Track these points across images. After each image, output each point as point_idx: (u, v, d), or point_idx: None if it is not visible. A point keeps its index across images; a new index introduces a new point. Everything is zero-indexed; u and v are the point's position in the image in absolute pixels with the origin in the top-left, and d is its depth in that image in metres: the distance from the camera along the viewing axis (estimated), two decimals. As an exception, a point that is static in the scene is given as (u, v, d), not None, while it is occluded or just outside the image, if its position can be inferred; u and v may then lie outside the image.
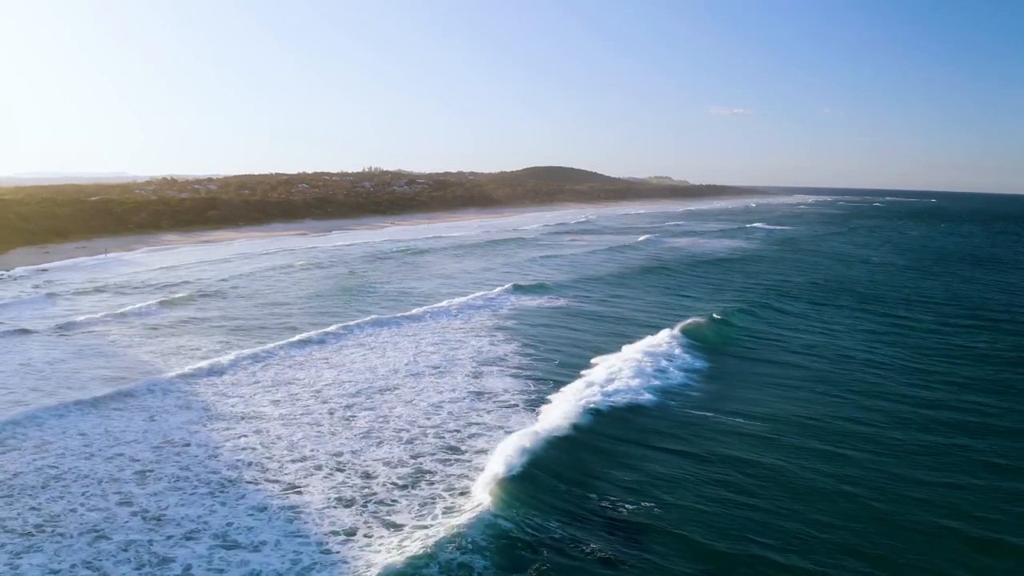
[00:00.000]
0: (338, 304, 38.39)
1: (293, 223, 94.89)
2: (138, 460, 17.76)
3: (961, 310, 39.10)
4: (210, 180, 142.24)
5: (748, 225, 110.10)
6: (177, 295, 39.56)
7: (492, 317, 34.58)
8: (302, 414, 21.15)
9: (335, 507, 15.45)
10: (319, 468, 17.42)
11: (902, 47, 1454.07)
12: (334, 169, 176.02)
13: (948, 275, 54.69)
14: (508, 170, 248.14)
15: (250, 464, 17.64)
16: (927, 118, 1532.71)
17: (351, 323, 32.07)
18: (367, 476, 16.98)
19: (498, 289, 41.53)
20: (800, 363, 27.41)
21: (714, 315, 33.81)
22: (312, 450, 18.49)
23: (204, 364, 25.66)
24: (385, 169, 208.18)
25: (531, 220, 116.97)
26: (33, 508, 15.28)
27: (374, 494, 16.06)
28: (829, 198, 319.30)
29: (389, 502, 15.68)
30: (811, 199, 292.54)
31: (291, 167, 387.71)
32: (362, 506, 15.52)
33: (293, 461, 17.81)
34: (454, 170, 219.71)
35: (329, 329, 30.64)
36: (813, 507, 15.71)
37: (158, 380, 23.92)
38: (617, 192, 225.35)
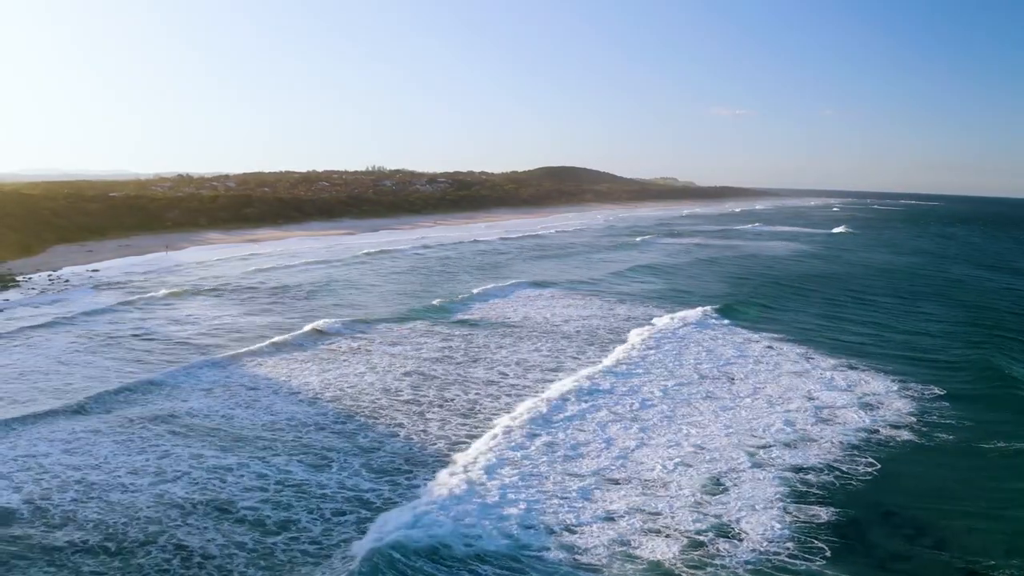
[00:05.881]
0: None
1: (332, 222, 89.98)
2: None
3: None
4: (227, 177, 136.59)
5: (822, 231, 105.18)
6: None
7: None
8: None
9: None
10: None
11: (903, 48, 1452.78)
12: (336, 168, 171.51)
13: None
14: (519, 170, 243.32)
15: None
16: (928, 119, 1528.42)
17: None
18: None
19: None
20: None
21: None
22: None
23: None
24: (391, 168, 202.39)
25: (571, 220, 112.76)
26: None
27: None
28: (832, 200, 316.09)
29: None
30: (813, 201, 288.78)
31: (291, 165, 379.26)
32: None
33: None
34: (463, 169, 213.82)
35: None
36: None
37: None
38: (635, 193, 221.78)
